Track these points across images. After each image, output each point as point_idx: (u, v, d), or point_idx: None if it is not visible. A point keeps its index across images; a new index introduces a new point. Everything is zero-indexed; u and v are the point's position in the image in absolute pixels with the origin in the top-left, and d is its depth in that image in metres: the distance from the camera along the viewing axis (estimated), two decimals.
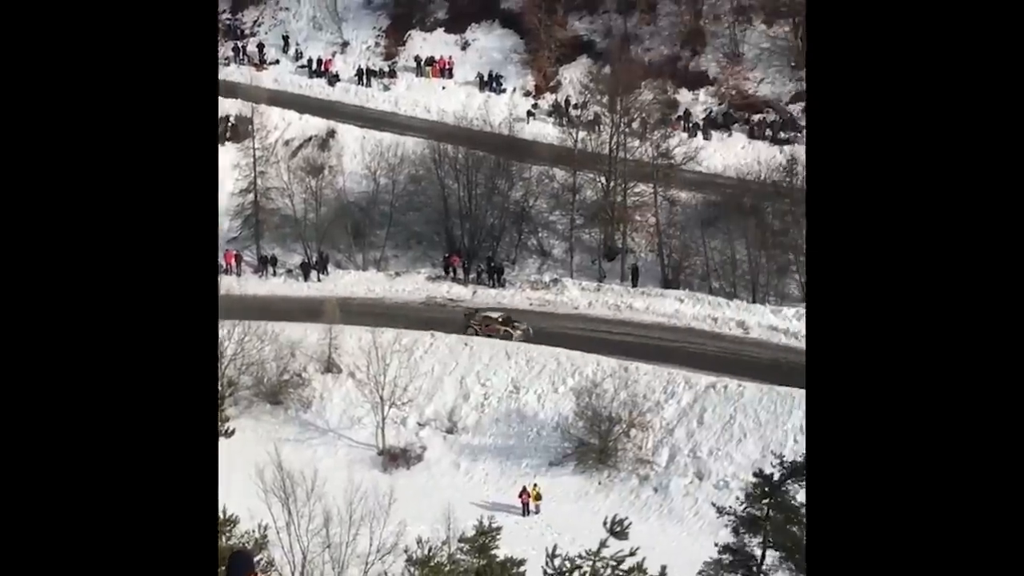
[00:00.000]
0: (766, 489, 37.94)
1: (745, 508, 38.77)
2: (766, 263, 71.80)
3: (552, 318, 70.49)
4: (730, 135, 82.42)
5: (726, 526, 40.02)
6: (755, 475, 39.25)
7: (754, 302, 69.80)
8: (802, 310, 67.54)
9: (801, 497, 38.86)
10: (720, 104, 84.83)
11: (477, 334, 67.94)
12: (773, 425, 58.41)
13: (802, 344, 64.07)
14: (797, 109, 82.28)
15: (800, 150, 77.71)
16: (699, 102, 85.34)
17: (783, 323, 66.35)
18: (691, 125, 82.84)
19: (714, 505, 44.46)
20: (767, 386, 60.18)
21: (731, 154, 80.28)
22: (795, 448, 54.75)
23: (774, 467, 38.42)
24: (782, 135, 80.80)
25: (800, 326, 65.76)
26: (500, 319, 68.47)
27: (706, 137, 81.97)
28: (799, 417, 58.08)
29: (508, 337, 67.30)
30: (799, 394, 59.01)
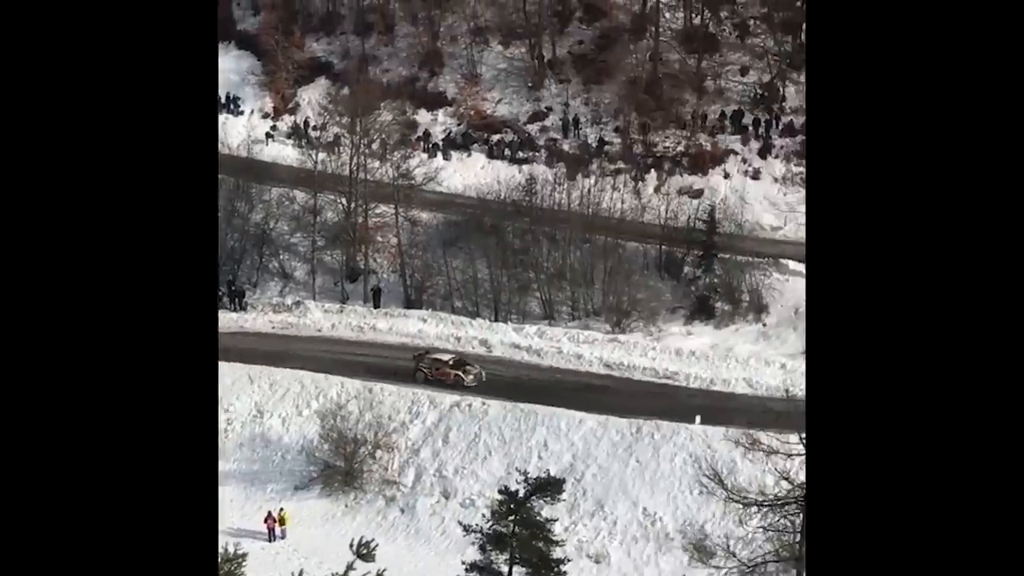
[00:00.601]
0: (511, 506, 38.37)
1: (491, 525, 39.15)
2: (507, 282, 72.57)
3: (295, 341, 69.78)
4: (469, 155, 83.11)
5: (473, 544, 40.33)
6: (500, 492, 39.66)
7: (496, 320, 70.46)
8: (543, 327, 68.53)
9: (547, 512, 39.46)
10: (459, 124, 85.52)
11: (427, 378, 64.01)
12: (517, 442, 59.01)
13: (543, 360, 65.11)
14: (535, 128, 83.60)
15: (538, 168, 78.99)
16: (438, 123, 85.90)
17: (525, 341, 67.16)
18: (431, 145, 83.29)
19: (461, 523, 44.70)
20: (511, 403, 60.78)
21: (471, 174, 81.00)
22: (539, 464, 55.50)
23: (519, 484, 38.89)
24: (520, 155, 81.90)
25: (541, 343, 66.72)
26: (451, 362, 64.64)
27: (446, 157, 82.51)
28: (542, 433, 58.87)
29: (460, 382, 63.45)
30: (542, 411, 59.83)
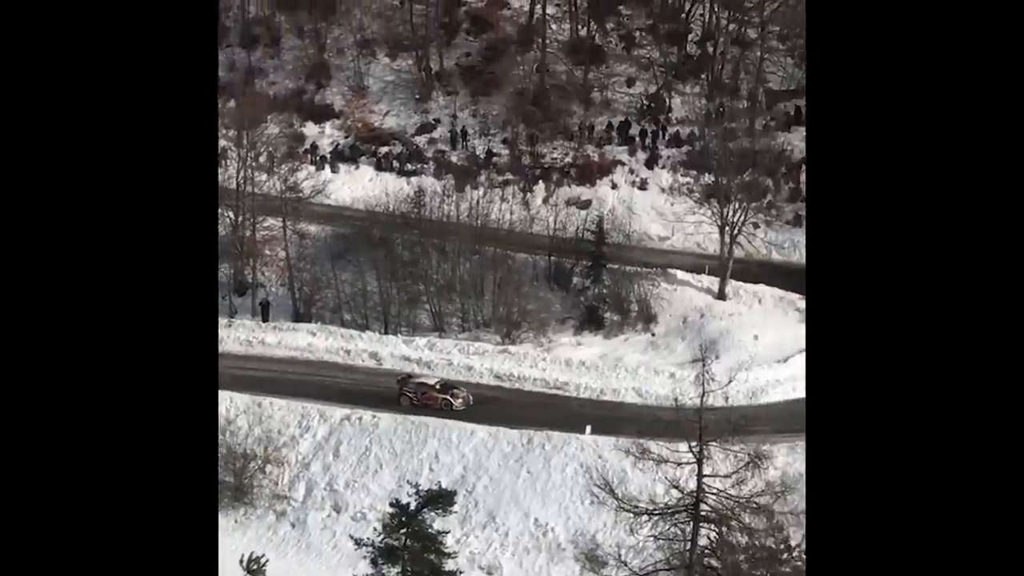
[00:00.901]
0: (403, 519, 38.31)
1: (383, 539, 39.02)
2: (397, 294, 72.37)
3: None
4: (357, 168, 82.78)
5: (364, 558, 40.15)
6: (392, 505, 39.57)
7: (386, 333, 70.21)
8: (433, 339, 68.42)
9: (438, 524, 39.42)
10: (347, 137, 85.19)
11: (412, 403, 61.98)
12: (408, 455, 58.86)
13: (434, 372, 64.88)
14: (423, 140, 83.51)
15: (426, 180, 78.91)
16: (326, 135, 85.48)
17: (415, 353, 67.02)
18: (318, 158, 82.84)
19: (352, 537, 44.50)
20: (401, 416, 60.62)
21: (359, 186, 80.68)
22: (430, 477, 55.43)
23: (410, 496, 38.82)
24: (409, 167, 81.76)
25: (432, 355, 66.59)
26: (438, 386, 62.53)
27: (334, 170, 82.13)
28: (433, 446, 58.78)
29: (448, 406, 61.44)
30: (433, 423, 59.74)
